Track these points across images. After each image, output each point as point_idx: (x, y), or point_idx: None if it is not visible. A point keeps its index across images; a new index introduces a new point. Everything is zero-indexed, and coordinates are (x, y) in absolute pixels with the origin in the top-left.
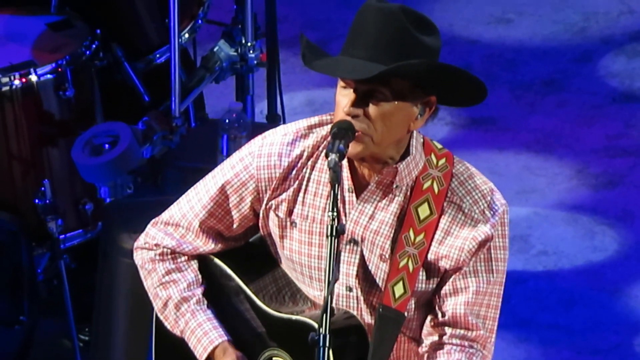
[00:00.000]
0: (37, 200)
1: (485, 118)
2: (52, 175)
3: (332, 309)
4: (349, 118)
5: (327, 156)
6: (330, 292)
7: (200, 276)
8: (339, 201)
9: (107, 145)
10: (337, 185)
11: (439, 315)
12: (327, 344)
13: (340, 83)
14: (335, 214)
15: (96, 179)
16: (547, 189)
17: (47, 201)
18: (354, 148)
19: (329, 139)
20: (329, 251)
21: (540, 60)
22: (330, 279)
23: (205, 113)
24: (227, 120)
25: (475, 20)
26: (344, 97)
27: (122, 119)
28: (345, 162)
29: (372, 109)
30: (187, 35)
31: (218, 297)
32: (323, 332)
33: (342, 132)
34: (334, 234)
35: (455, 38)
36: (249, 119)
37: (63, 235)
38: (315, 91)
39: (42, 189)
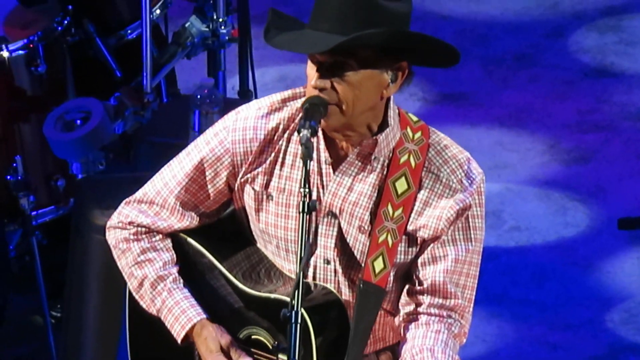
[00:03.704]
0: (8, 177)
1: (457, 93)
2: (24, 151)
3: (308, 284)
4: (316, 91)
5: (299, 132)
6: (303, 268)
7: (175, 255)
8: (316, 174)
9: (79, 121)
10: (309, 161)
11: (417, 284)
12: (300, 321)
13: (309, 56)
14: (307, 190)
15: (68, 154)
16: (519, 164)
17: (19, 177)
18: (324, 120)
19: (301, 115)
20: (301, 227)
21: (512, 35)
22: (303, 255)
23: (177, 88)
24: (198, 96)
25: None
26: (312, 69)
27: (94, 95)
28: (320, 134)
29: (339, 80)
30: (158, 11)
31: (193, 276)
32: (295, 309)
33: (314, 108)
34: (306, 210)
35: (427, 13)
36: (220, 95)
37: (35, 212)
38: (287, 66)
39: (14, 165)
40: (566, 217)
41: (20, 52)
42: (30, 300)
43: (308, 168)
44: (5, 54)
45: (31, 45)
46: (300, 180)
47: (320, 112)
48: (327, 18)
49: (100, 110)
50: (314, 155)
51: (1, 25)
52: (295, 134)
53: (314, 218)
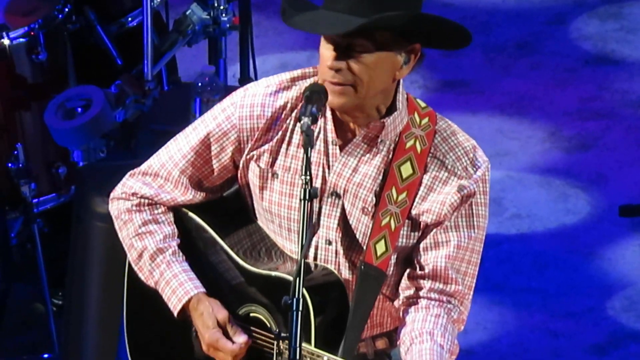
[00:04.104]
0: (10, 164)
1: (458, 81)
2: (25, 139)
3: (309, 264)
4: (332, 72)
5: (299, 120)
6: (305, 255)
7: (176, 229)
8: (322, 154)
9: (79, 109)
10: (310, 149)
11: (418, 268)
12: (301, 308)
13: (324, 36)
14: (308, 177)
15: (69, 142)
16: (520, 151)
17: (20, 165)
18: (337, 99)
19: (302, 102)
20: (302, 215)
21: (514, 22)
22: (304, 242)
23: (178, 76)
24: (199, 84)
25: None
26: (327, 50)
27: (94, 83)
28: (329, 115)
29: (354, 61)
30: None
31: (194, 252)
32: (297, 296)
33: (315, 96)
34: (307, 197)
35: (429, 0)
36: (221, 82)
37: (36, 199)
38: (288, 54)
39: (15, 152)
40: (567, 204)
41: (21, 40)
42: (32, 288)
43: (309, 155)
44: (6, 41)
45: (32, 33)
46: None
47: (322, 99)
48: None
49: (101, 98)
50: (321, 135)
51: (2, 13)
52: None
53: (317, 198)
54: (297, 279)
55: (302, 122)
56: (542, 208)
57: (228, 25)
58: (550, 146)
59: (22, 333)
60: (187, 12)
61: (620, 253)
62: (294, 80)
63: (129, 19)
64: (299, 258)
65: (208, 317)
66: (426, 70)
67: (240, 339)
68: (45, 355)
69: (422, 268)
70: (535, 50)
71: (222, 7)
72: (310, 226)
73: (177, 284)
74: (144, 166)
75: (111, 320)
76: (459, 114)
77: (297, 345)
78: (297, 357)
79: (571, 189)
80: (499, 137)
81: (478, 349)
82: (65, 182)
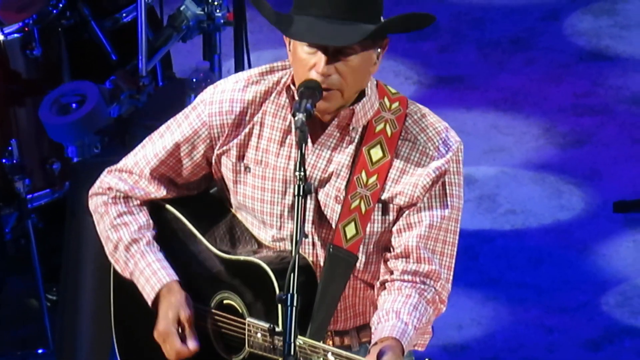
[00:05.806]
0: (4, 160)
1: (452, 77)
2: (19, 135)
3: (282, 252)
4: (320, 78)
5: (294, 115)
6: (298, 251)
7: (151, 221)
8: (294, 147)
9: (74, 105)
10: (304, 145)
11: (392, 251)
12: (295, 304)
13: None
14: (302, 173)
15: (63, 138)
16: (514, 147)
17: (15, 161)
18: (326, 104)
19: (296, 98)
20: (297, 211)
21: (508, 18)
22: (298, 239)
23: (173, 72)
24: (194, 79)
25: None
26: (310, 55)
27: (89, 78)
28: None
29: (343, 65)
30: None
31: (170, 243)
32: (291, 292)
33: (310, 91)
34: (302, 193)
35: None
36: (216, 78)
37: (30, 195)
38: (282, 50)
39: (9, 148)
40: (561, 200)
41: (16, 35)
42: (27, 283)
43: (303, 152)
44: (1, 37)
45: (26, 29)
46: (278, 151)
47: (316, 95)
48: (328, 4)
49: (96, 93)
50: (292, 127)
51: None
52: (272, 106)
53: (290, 191)
54: (292, 274)
55: (296, 118)
56: (537, 204)
57: (222, 21)
58: (545, 142)
59: (16, 328)
60: (182, 8)
61: (614, 249)
62: (262, 75)
63: (124, 14)
64: (293, 253)
65: (171, 308)
66: (420, 66)
67: (191, 344)
68: (40, 351)
69: (394, 250)
70: (530, 46)
71: (216, 3)
72: (288, 221)
73: (150, 273)
74: (120, 163)
75: (105, 315)
76: (454, 109)
77: (292, 340)
78: (292, 352)
79: (565, 185)
80: (494, 133)
81: (473, 344)
82: (60, 177)
